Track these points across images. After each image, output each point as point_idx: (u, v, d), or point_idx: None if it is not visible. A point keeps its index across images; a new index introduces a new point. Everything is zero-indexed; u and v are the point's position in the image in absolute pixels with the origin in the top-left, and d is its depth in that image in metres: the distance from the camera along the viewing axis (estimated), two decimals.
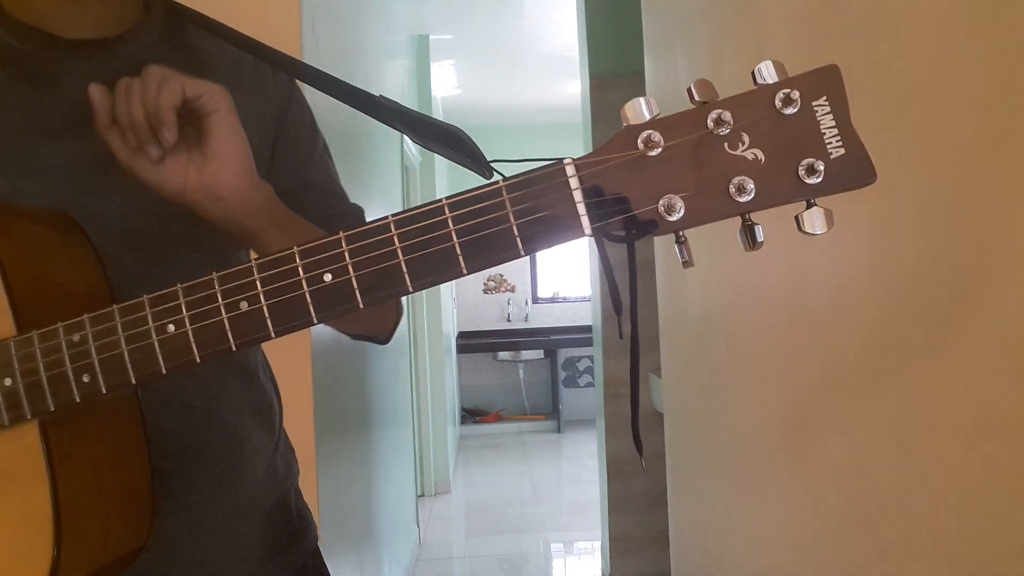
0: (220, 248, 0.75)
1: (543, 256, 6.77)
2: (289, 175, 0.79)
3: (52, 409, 0.50)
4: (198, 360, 0.49)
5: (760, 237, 0.45)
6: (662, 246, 1.89)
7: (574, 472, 5.22)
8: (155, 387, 0.58)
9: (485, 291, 6.72)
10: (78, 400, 0.50)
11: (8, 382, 0.51)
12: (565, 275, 6.74)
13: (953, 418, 0.78)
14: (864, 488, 0.96)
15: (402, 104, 0.65)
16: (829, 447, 1.06)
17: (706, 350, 1.58)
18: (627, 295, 0.48)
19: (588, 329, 5.40)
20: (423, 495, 4.43)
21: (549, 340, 6.40)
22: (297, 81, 0.82)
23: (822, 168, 0.43)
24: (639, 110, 0.44)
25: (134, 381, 0.50)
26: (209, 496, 0.71)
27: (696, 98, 0.44)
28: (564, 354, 6.52)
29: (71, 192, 0.64)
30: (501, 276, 6.72)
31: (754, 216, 0.45)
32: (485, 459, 5.59)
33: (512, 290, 6.73)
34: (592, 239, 0.46)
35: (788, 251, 1.14)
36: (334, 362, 1.84)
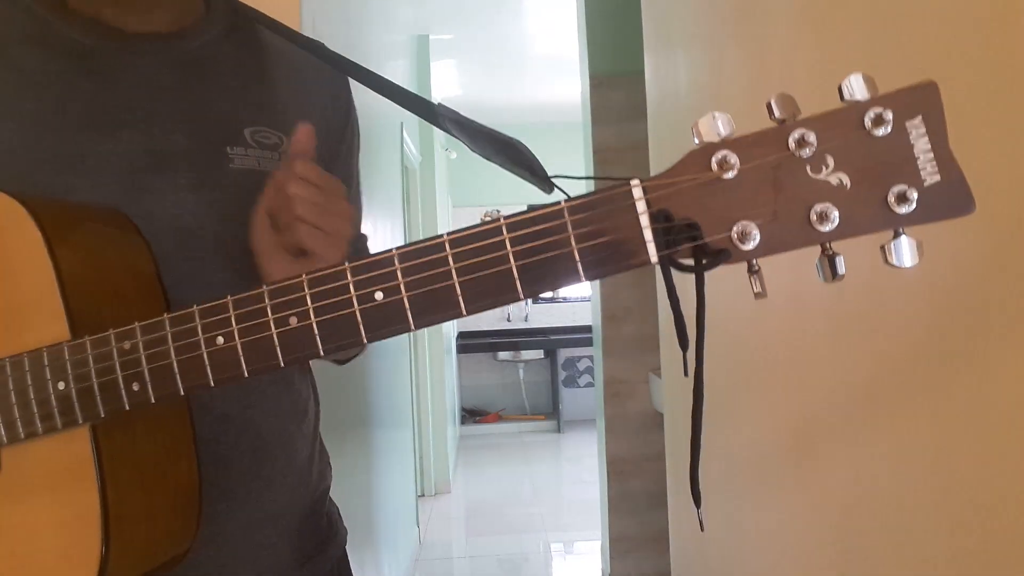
0: None
1: None
2: None
3: (103, 415, 0.50)
4: (246, 375, 0.48)
5: (842, 270, 0.41)
6: None
7: (574, 472, 5.22)
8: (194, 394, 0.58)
9: None
10: (128, 408, 0.50)
11: (62, 386, 0.51)
12: None
13: (959, 429, 0.78)
14: (863, 487, 0.96)
15: (461, 114, 0.65)
16: (831, 449, 1.06)
17: (706, 351, 1.58)
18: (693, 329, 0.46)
19: (588, 329, 5.39)
20: (423, 495, 4.42)
21: (549, 340, 6.40)
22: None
23: (915, 196, 0.39)
24: (714, 126, 0.40)
25: (182, 392, 0.49)
26: (236, 506, 0.70)
27: (776, 115, 0.40)
28: (564, 354, 6.52)
29: (124, 189, 0.64)
30: None
31: (834, 245, 0.42)
32: (485, 459, 5.59)
33: None
34: (659, 268, 0.43)
35: (791, 254, 1.14)
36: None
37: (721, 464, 1.54)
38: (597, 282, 2.93)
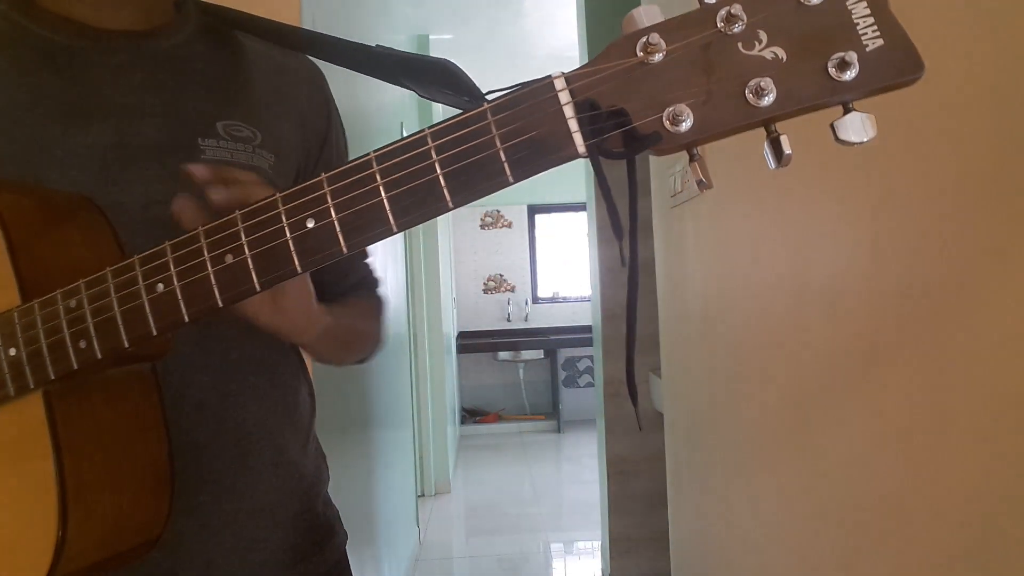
0: None
1: (543, 256, 6.77)
2: None
3: (52, 377, 0.50)
4: (187, 319, 0.47)
5: (788, 149, 0.39)
6: (662, 244, 1.89)
7: (574, 472, 5.22)
8: (168, 381, 0.58)
9: (485, 291, 6.73)
10: (76, 367, 0.49)
11: (12, 352, 0.51)
12: (565, 275, 6.74)
13: (953, 415, 0.78)
14: (863, 486, 0.96)
15: (396, 49, 0.65)
16: (829, 446, 1.06)
17: (706, 350, 1.58)
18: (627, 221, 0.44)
19: (588, 329, 5.41)
20: (423, 495, 4.43)
21: (549, 340, 6.41)
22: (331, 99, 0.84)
23: (855, 60, 0.37)
24: (641, 18, 0.39)
25: (127, 344, 0.49)
26: (221, 497, 0.69)
27: (705, 0, 0.39)
28: (564, 354, 6.52)
29: (93, 181, 0.65)
30: (501, 276, 6.72)
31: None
32: (485, 459, 5.59)
33: (512, 290, 6.73)
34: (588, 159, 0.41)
35: (788, 249, 1.14)
36: None
37: (719, 464, 1.54)
38: (598, 282, 2.93)
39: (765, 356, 1.28)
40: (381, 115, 2.82)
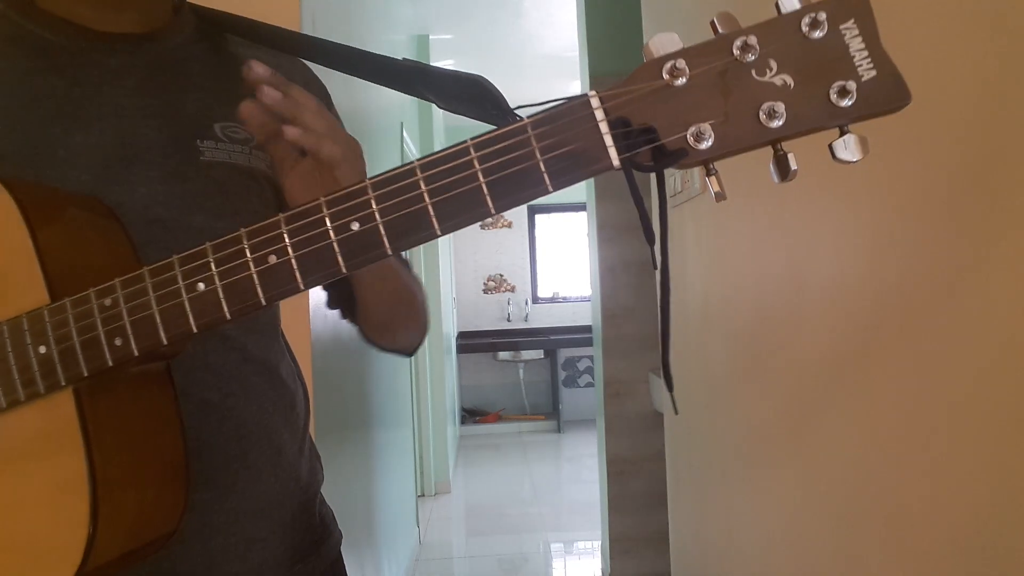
0: None
1: (543, 256, 6.77)
2: None
3: (86, 375, 0.50)
4: (228, 317, 0.49)
5: (794, 166, 0.44)
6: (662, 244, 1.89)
7: (574, 472, 5.22)
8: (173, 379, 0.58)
9: (485, 291, 6.73)
10: (111, 364, 0.50)
11: (43, 350, 0.51)
12: (565, 275, 6.74)
13: (952, 414, 0.78)
14: (862, 485, 0.96)
15: (422, 63, 0.66)
16: (828, 445, 1.06)
17: (706, 349, 1.59)
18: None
19: (588, 329, 5.41)
20: (423, 495, 4.43)
21: (549, 340, 6.41)
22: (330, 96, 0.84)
23: (854, 89, 0.42)
24: (662, 43, 0.44)
25: (165, 341, 0.50)
26: (222, 495, 0.69)
27: (720, 31, 0.44)
28: (564, 354, 6.52)
29: (95, 181, 0.65)
30: (501, 276, 6.72)
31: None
32: (485, 459, 5.59)
33: (512, 290, 6.74)
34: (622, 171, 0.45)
35: (787, 249, 1.14)
36: (334, 362, 1.84)
37: (719, 464, 1.54)
38: (598, 282, 2.93)
39: (764, 356, 1.28)
40: (381, 116, 2.82)
